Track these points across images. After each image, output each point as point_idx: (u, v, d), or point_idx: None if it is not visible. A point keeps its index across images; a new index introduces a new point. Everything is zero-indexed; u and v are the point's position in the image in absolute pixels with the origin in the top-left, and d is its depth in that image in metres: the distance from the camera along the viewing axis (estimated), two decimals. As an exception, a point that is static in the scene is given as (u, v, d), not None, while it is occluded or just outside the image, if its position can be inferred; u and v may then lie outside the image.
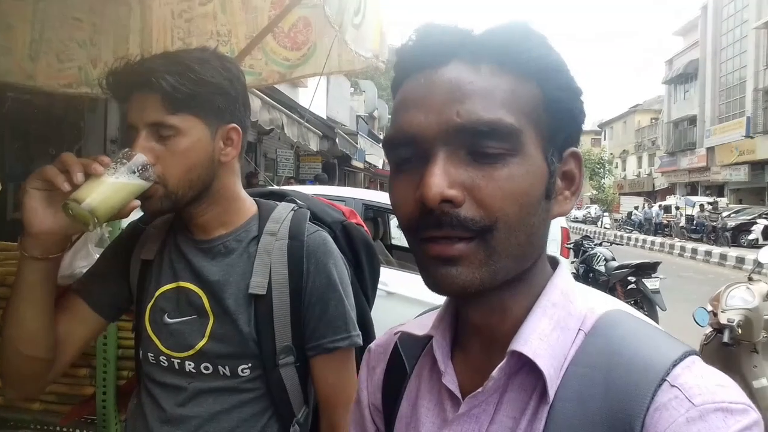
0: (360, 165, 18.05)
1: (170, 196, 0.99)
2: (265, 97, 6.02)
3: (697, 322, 3.27)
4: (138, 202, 0.95)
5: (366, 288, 1.26)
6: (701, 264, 16.01)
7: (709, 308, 3.29)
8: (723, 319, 3.09)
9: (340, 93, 14.46)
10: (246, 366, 1.04)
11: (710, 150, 29.88)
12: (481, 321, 0.60)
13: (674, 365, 0.50)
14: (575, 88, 0.58)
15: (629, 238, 23.74)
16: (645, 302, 6.40)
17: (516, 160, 0.53)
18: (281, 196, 1.23)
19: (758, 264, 3.88)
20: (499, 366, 0.55)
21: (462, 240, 0.52)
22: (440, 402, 0.62)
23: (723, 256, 15.57)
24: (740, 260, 14.48)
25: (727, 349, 3.12)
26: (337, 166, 15.13)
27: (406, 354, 0.70)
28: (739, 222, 19.74)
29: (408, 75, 0.57)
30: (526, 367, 0.55)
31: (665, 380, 0.49)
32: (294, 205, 1.15)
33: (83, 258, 1.43)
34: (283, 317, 1.04)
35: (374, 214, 4.92)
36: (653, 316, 6.04)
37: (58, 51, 2.21)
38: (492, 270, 0.53)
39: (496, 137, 0.52)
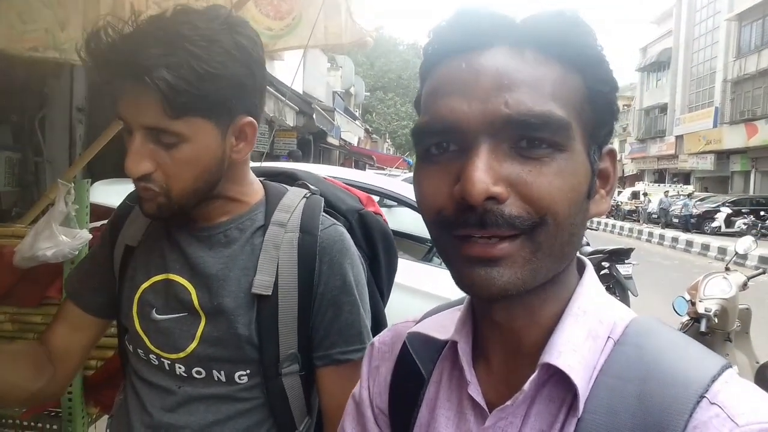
0: (335, 142, 17.87)
1: (172, 206, 0.86)
2: (241, 69, 5.79)
3: (675, 311, 3.31)
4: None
5: (381, 284, 1.13)
6: (668, 250, 16.46)
7: (688, 297, 3.32)
8: (700, 308, 3.13)
9: (317, 68, 14.20)
10: (244, 373, 0.92)
11: (679, 138, 30.56)
12: (508, 326, 0.57)
13: (713, 380, 0.48)
14: (615, 83, 0.55)
15: (599, 222, 24.23)
16: (618, 287, 6.51)
17: (564, 155, 0.50)
18: (291, 178, 1.09)
19: (735, 254, 3.93)
20: (530, 379, 0.52)
21: (506, 239, 0.49)
22: (461, 411, 0.59)
23: (689, 243, 16.04)
24: (705, 247, 14.98)
25: (702, 338, 3.16)
26: (312, 143, 14.92)
27: (420, 357, 0.65)
28: (704, 210, 20.33)
29: (445, 57, 0.53)
30: (555, 378, 0.53)
31: (704, 397, 0.47)
32: (306, 191, 1.01)
33: (47, 239, 1.31)
34: (289, 322, 0.91)
35: (353, 194, 4.82)
36: (625, 301, 6.15)
37: (20, 10, 2.04)
38: (534, 269, 0.50)
39: (546, 131, 0.49)
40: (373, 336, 0.98)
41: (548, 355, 0.52)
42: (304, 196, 0.99)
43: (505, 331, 0.57)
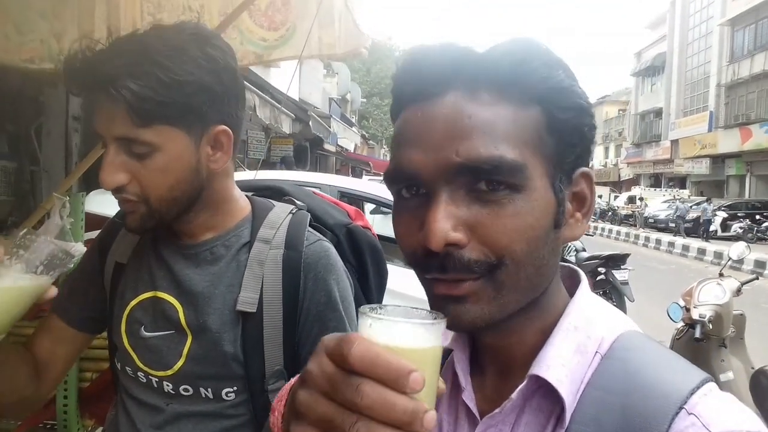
0: (332, 148, 17.88)
1: (153, 216, 0.87)
2: (237, 77, 5.79)
3: (670, 317, 3.32)
4: (54, 290, 0.82)
5: (371, 297, 1.13)
6: (664, 254, 16.49)
7: (682, 303, 3.33)
8: (695, 314, 3.14)
9: (313, 75, 14.22)
10: (230, 390, 0.92)
11: (674, 142, 30.69)
12: (496, 344, 0.60)
13: (692, 393, 0.50)
14: (582, 105, 0.55)
15: (596, 227, 24.26)
16: (614, 293, 6.52)
17: (520, 195, 0.51)
18: (279, 193, 1.10)
19: (729, 259, 3.94)
20: (518, 388, 0.54)
21: (468, 279, 0.51)
22: (457, 418, 0.61)
23: (685, 247, 16.08)
24: (701, 251, 15.02)
25: (697, 344, 3.17)
26: (309, 149, 14.92)
27: None
28: (699, 214, 20.36)
29: (406, 105, 0.55)
30: (543, 389, 0.55)
31: (683, 408, 0.49)
32: (293, 206, 1.01)
33: (43, 252, 1.31)
34: (274, 338, 0.91)
35: (349, 202, 4.84)
36: (622, 306, 6.16)
37: (16, 21, 2.05)
38: (501, 304, 0.53)
39: (499, 174, 0.50)
40: None
41: (537, 368, 0.54)
42: (290, 212, 0.99)
43: (496, 348, 0.60)
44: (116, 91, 0.78)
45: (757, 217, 19.36)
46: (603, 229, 23.96)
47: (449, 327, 0.53)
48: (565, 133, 0.54)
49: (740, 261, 9.00)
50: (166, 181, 0.85)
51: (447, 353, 0.64)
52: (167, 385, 0.93)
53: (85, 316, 1.02)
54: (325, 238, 1.00)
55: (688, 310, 3.24)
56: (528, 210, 0.51)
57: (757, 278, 4.05)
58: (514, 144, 0.51)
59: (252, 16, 2.33)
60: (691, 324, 3.21)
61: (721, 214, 19.57)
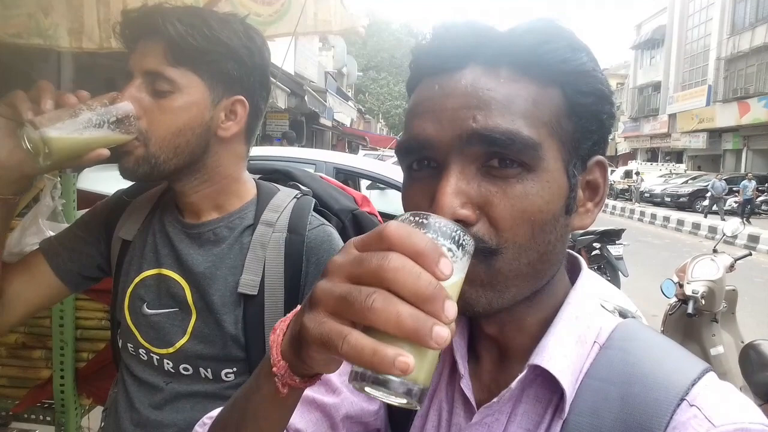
0: (328, 123, 17.73)
1: (149, 159, 0.87)
2: (230, 51, 5.70)
3: (664, 293, 3.35)
4: (106, 152, 0.83)
5: None
6: (659, 229, 16.56)
7: (676, 279, 3.36)
8: (688, 290, 3.17)
9: (309, 48, 14.01)
10: (230, 371, 0.93)
11: (672, 117, 30.53)
12: (495, 333, 0.59)
13: (693, 384, 0.50)
14: (603, 91, 0.54)
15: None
16: (608, 268, 6.56)
17: (532, 176, 0.50)
18: (287, 176, 1.11)
19: (723, 235, 3.96)
20: (518, 378, 0.54)
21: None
22: (452, 406, 0.61)
23: (680, 222, 16.13)
24: (696, 226, 15.07)
25: (689, 319, 3.21)
26: (305, 124, 14.80)
27: None
28: (695, 188, 20.40)
29: (422, 78, 0.55)
30: (540, 378, 0.54)
31: (684, 399, 0.49)
32: (297, 191, 1.02)
33: (33, 234, 1.30)
34: (275, 321, 0.92)
35: (345, 178, 4.82)
36: (616, 281, 6.21)
37: (1, -7, 2.00)
38: (498, 290, 0.51)
39: (513, 149, 0.49)
40: None
41: (538, 358, 0.53)
42: (294, 197, 0.99)
43: (495, 336, 0.59)
44: (162, 24, 0.85)
45: (753, 191, 19.34)
46: (599, 204, 23.93)
47: None
48: (584, 119, 0.53)
49: (734, 236, 9.07)
50: (174, 123, 0.87)
51: None
52: (168, 363, 0.94)
53: (73, 269, 1.02)
54: (328, 223, 1.00)
55: (681, 286, 3.27)
56: (537, 191, 0.50)
57: (750, 254, 4.07)
58: (531, 122, 0.50)
59: (245, -11, 2.28)
60: (683, 300, 3.24)
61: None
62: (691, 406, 0.49)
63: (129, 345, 0.97)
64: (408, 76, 0.59)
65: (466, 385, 0.59)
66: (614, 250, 6.55)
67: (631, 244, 7.32)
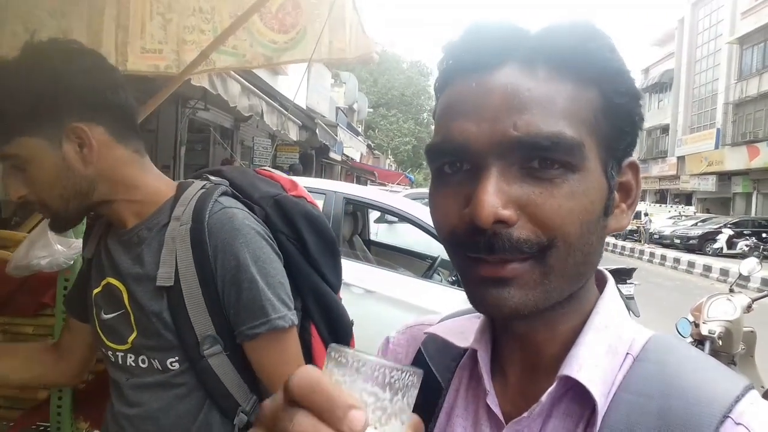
0: (338, 157, 17.90)
1: (59, 216, 0.98)
2: (245, 82, 5.80)
3: (679, 333, 3.26)
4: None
5: (317, 264, 1.12)
6: (670, 270, 16.37)
7: (691, 319, 3.28)
8: (704, 330, 3.09)
9: (321, 83, 14.26)
10: (174, 359, 0.99)
11: (681, 159, 30.60)
12: (527, 339, 0.57)
13: (737, 401, 0.48)
14: (636, 92, 0.53)
15: (600, 242, 24.08)
16: (619, 308, 6.45)
17: (576, 176, 0.49)
18: (216, 174, 1.13)
19: (740, 275, 3.89)
20: (548, 391, 0.52)
21: (516, 260, 0.49)
22: (477, 422, 0.59)
23: (691, 264, 15.95)
24: (707, 268, 14.88)
25: (706, 360, 3.11)
26: (314, 158, 14.95)
27: (436, 364, 0.64)
28: (705, 231, 20.27)
29: (457, 76, 0.53)
30: (571, 392, 0.52)
31: (728, 417, 0.47)
32: (206, 182, 1.06)
33: (42, 248, 1.30)
34: (197, 306, 0.97)
35: (354, 209, 4.81)
36: (627, 322, 6.10)
37: (24, 19, 2.04)
38: (546, 290, 0.50)
39: (557, 152, 0.48)
40: (329, 320, 1.11)
41: (568, 368, 0.51)
42: (201, 188, 1.03)
43: (525, 343, 0.57)
44: None
45: (764, 234, 19.18)
46: (608, 244, 23.85)
47: (489, 312, 0.51)
48: (619, 119, 0.52)
49: (748, 278, 8.92)
50: (46, 186, 0.94)
51: (463, 352, 0.63)
52: (129, 357, 1.02)
53: (84, 308, 1.12)
54: (234, 207, 1.02)
55: (697, 325, 3.19)
56: (583, 191, 0.49)
57: None
58: (572, 122, 0.49)
59: (262, 18, 2.32)
60: (700, 340, 3.15)
61: (727, 232, 19.46)
62: (738, 424, 0.46)
63: (102, 349, 1.06)
64: (436, 80, 0.57)
65: (492, 401, 0.57)
66: (625, 289, 6.45)
67: (641, 285, 7.22)
